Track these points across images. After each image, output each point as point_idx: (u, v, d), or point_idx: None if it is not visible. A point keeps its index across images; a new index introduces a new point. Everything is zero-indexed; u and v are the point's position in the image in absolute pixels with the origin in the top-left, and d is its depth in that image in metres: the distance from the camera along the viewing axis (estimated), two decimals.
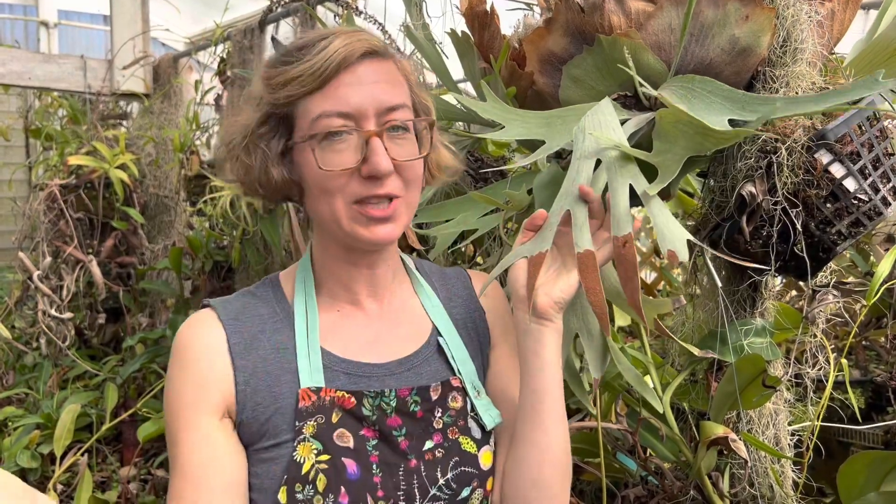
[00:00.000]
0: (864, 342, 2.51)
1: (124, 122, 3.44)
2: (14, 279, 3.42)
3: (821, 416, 1.22)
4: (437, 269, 1.11)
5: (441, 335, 0.99)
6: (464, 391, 0.96)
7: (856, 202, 1.10)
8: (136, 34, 3.24)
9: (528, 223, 0.97)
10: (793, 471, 1.27)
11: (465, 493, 0.91)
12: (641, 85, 1.07)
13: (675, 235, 0.88)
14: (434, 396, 0.94)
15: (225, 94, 2.84)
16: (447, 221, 1.33)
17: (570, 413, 1.62)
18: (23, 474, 2.35)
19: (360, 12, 2.43)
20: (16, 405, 3.03)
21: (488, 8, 1.34)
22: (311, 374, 0.90)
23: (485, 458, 0.94)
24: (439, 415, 0.93)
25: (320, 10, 2.61)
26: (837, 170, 1.10)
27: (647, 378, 1.30)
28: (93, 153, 3.07)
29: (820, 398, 1.25)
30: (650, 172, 1.04)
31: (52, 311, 2.94)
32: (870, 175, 1.11)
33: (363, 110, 0.87)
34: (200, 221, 3.09)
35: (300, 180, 0.93)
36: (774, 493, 1.22)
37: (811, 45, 1.13)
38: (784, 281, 1.79)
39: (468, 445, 0.93)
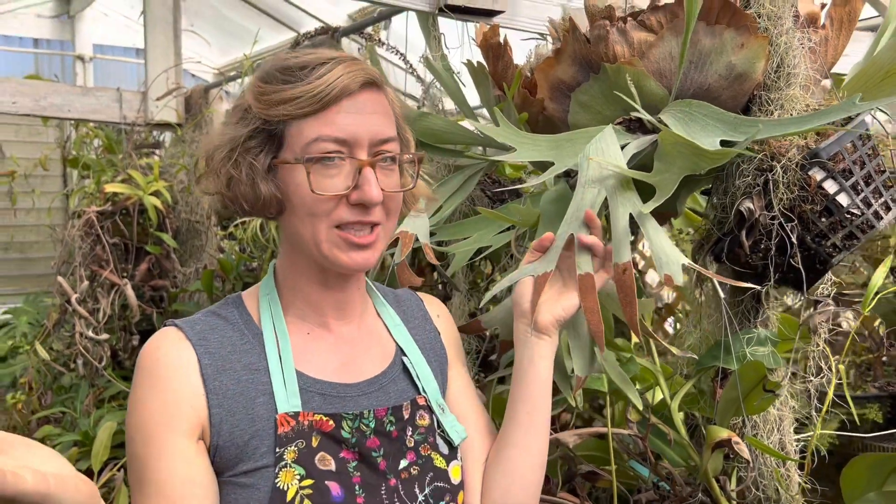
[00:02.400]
0: (883, 358, 2.54)
1: (157, 151, 3.59)
2: (52, 303, 3.55)
3: (821, 424, 1.27)
4: (391, 291, 1.12)
5: (406, 355, 1.01)
6: (430, 409, 0.98)
7: (849, 216, 1.17)
8: (168, 67, 3.38)
9: (536, 244, 1.04)
10: (799, 475, 1.32)
11: None
12: (637, 111, 1.15)
13: (671, 259, 0.95)
14: (406, 415, 0.96)
15: None
16: (465, 239, 1.41)
17: (586, 422, 1.68)
18: None
19: (383, 43, 2.54)
20: (53, 424, 3.15)
21: (502, 40, 1.43)
22: (287, 399, 0.89)
23: (454, 473, 0.97)
24: (410, 433, 0.95)
25: (344, 41, 2.73)
26: (831, 186, 1.17)
27: (658, 387, 1.36)
28: (128, 181, 3.20)
29: (826, 407, 1.30)
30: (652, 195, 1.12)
31: (89, 333, 3.05)
32: (862, 190, 1.18)
33: (359, 139, 0.89)
34: (231, 245, 3.20)
35: (284, 198, 0.92)
36: (780, 496, 1.27)
37: (804, 70, 1.20)
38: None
39: (439, 461, 0.96)
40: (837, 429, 1.52)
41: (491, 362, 1.73)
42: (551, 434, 1.32)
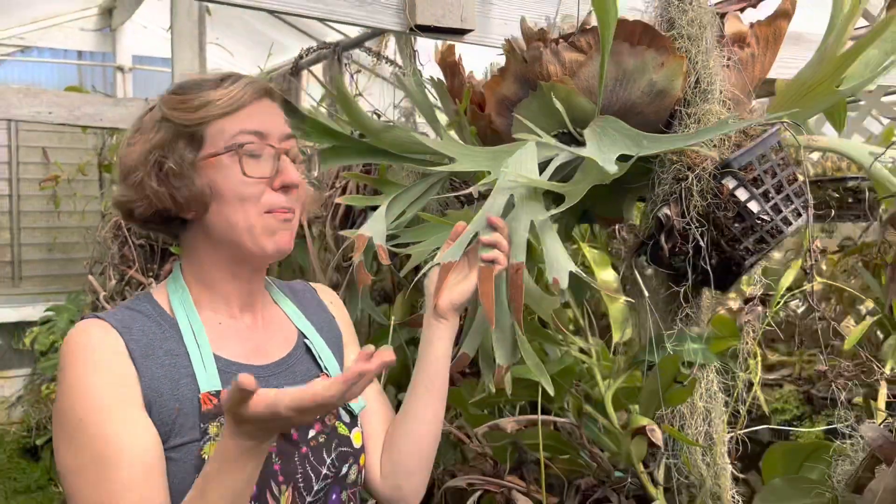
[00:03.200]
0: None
1: None
2: (85, 300, 3.78)
3: (745, 416, 1.36)
4: (285, 284, 1.23)
5: (307, 338, 1.13)
6: None
7: (759, 222, 1.26)
8: None
9: (452, 233, 1.17)
10: (729, 463, 1.41)
11: (344, 469, 1.06)
12: (558, 132, 1.26)
13: (561, 265, 1.07)
14: None
15: None
16: (422, 242, 1.54)
17: (546, 411, 1.79)
18: None
19: (385, 58, 2.68)
20: None
21: (457, 58, 1.55)
22: (208, 380, 0.98)
23: (356, 438, 1.10)
24: None
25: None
26: (742, 193, 1.26)
27: (598, 378, 1.47)
28: None
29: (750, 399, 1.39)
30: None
31: None
32: (773, 198, 1.27)
33: (272, 132, 1.02)
34: None
35: (210, 193, 1.00)
36: (704, 481, 1.37)
37: (719, 86, 1.30)
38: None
39: (342, 429, 1.08)
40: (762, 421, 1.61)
41: None
42: (493, 420, 1.44)
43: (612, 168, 1.10)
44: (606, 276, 2.05)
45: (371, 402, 1.18)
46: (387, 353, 0.80)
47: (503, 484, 1.48)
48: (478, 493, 1.47)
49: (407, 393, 1.15)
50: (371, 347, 0.82)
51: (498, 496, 1.49)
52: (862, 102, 2.90)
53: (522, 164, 1.20)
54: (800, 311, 2.48)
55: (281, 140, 1.04)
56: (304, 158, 1.12)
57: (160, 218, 1.04)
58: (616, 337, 1.72)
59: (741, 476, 1.45)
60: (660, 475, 1.38)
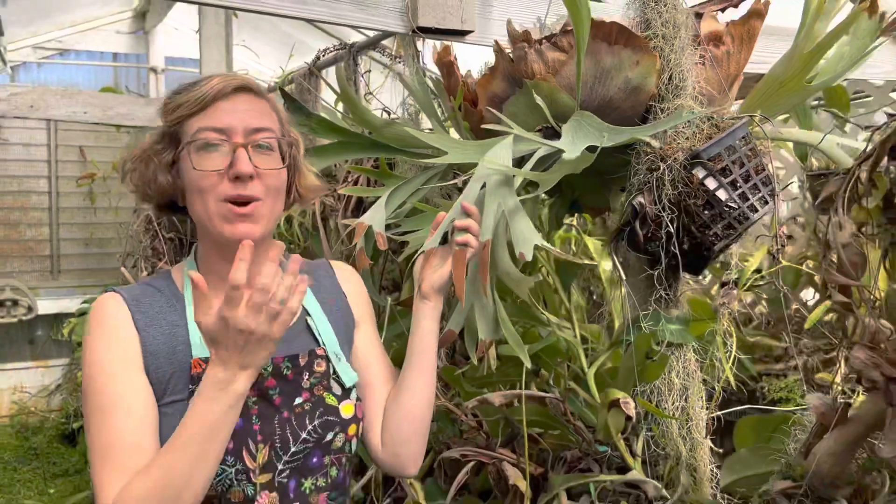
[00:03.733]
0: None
1: None
2: None
3: (719, 395, 1.45)
4: (305, 262, 1.28)
5: (309, 315, 1.22)
6: (327, 358, 1.19)
7: (727, 209, 1.35)
8: None
9: (433, 223, 1.27)
10: (703, 436, 1.50)
11: (329, 436, 1.14)
12: (542, 127, 1.36)
13: (527, 239, 1.17)
14: (302, 363, 1.16)
15: None
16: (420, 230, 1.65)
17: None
18: None
19: (397, 58, 2.79)
20: None
21: (452, 58, 1.66)
22: (201, 347, 1.11)
23: (345, 410, 1.17)
24: (307, 377, 1.16)
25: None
26: (711, 182, 1.35)
27: (580, 356, 1.57)
28: None
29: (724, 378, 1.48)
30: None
31: None
32: (740, 187, 1.36)
33: (233, 128, 1.10)
34: None
35: (182, 185, 1.13)
36: (680, 453, 1.46)
37: (691, 83, 1.39)
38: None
39: (331, 400, 1.17)
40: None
41: None
42: (483, 395, 1.55)
43: (576, 153, 1.20)
44: (607, 265, 2.15)
45: (375, 376, 1.27)
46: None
47: (494, 455, 1.59)
48: (471, 464, 1.58)
49: (402, 369, 1.25)
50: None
51: (490, 467, 1.60)
52: (870, 98, 2.95)
53: (497, 155, 1.31)
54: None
55: (248, 133, 1.11)
56: (289, 150, 1.18)
57: (158, 204, 1.18)
58: (618, 322, 1.82)
59: (719, 451, 1.54)
60: (638, 447, 1.47)
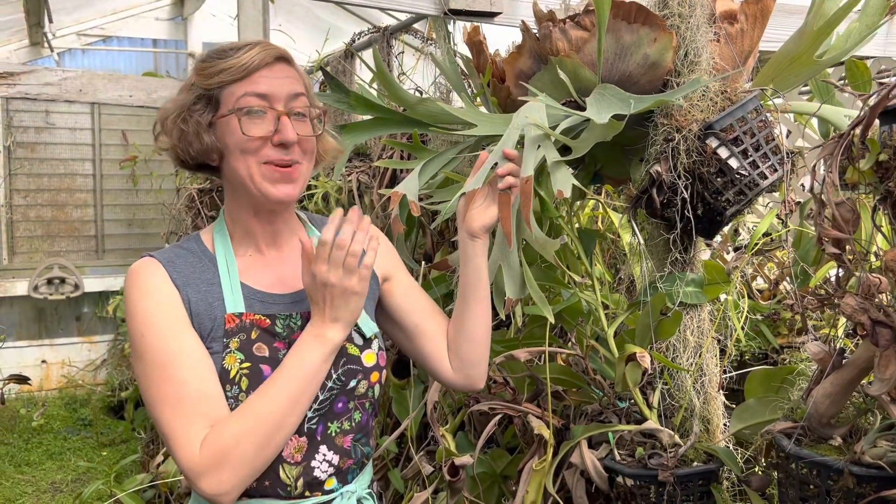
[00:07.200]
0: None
1: None
2: None
3: (731, 352, 1.55)
4: (325, 220, 1.37)
5: None
6: None
7: (738, 176, 1.44)
8: None
9: (477, 162, 1.36)
10: (716, 389, 1.60)
11: (352, 383, 1.22)
12: (566, 101, 1.46)
13: (565, 180, 1.28)
14: None
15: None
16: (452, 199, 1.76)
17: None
18: None
19: (429, 39, 2.90)
20: None
21: (481, 38, 1.76)
22: (234, 303, 1.18)
23: (367, 358, 1.25)
24: None
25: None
26: (723, 151, 1.45)
27: (601, 315, 1.67)
28: None
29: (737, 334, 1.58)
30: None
31: None
32: (751, 155, 1.45)
33: (276, 94, 1.17)
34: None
35: (223, 146, 1.19)
36: (694, 405, 1.56)
37: (706, 59, 1.48)
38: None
39: (353, 350, 1.23)
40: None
41: None
42: (510, 351, 1.66)
43: (604, 119, 1.30)
44: (629, 237, 2.25)
45: (427, 316, 1.37)
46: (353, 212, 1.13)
47: (520, 409, 1.70)
48: (498, 416, 1.70)
49: (457, 304, 1.36)
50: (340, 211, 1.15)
51: (516, 420, 1.72)
52: (894, 78, 2.99)
53: (533, 111, 1.41)
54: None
55: (288, 100, 1.18)
56: (318, 114, 1.26)
57: (193, 165, 1.23)
58: (640, 287, 1.91)
59: (733, 406, 1.64)
60: (654, 400, 1.58)
